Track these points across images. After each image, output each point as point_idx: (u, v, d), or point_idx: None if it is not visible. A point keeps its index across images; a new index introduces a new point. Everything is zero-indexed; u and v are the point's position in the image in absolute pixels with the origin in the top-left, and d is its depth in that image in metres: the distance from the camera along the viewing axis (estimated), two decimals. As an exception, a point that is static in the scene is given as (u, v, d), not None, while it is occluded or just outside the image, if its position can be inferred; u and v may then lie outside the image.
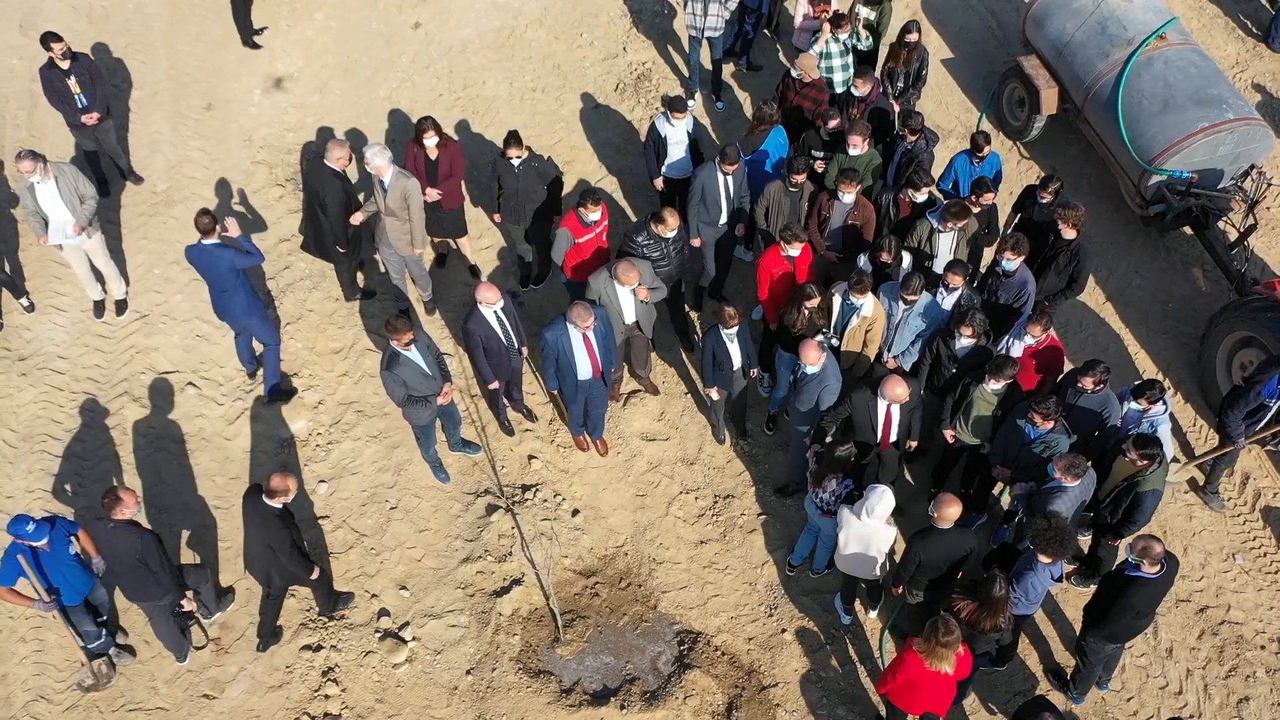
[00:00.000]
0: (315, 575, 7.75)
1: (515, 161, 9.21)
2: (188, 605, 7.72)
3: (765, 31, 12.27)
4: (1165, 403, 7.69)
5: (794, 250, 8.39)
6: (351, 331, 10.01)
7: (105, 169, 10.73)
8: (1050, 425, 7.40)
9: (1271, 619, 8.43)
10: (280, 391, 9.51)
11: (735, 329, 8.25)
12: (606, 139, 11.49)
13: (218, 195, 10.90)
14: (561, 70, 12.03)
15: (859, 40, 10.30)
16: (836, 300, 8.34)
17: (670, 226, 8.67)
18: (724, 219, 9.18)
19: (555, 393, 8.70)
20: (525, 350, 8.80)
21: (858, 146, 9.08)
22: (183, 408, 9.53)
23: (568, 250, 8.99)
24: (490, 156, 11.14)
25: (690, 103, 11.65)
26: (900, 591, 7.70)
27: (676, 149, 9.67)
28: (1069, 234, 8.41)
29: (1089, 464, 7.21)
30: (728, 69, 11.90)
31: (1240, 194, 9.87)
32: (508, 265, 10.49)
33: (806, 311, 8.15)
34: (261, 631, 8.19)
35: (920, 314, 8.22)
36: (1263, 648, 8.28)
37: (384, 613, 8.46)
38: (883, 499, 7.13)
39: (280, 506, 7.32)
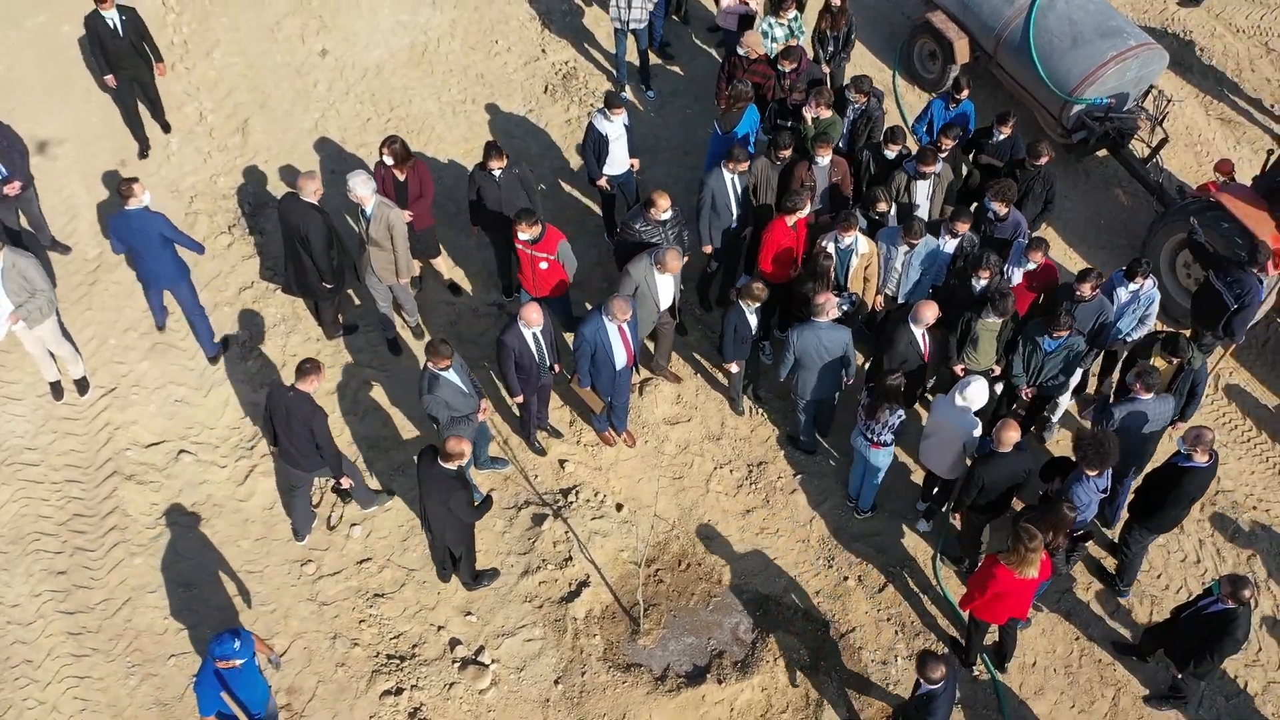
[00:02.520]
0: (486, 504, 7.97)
1: (496, 172, 9.15)
2: (345, 483, 8.31)
3: (674, 17, 12.56)
4: (1154, 278, 8.53)
5: (797, 217, 8.75)
6: (342, 369, 9.68)
7: (27, 242, 9.91)
8: (1068, 333, 8.06)
9: (1254, 481, 9.42)
10: (223, 349, 9.63)
11: (759, 304, 8.53)
12: (548, 141, 11.51)
13: (159, 253, 10.28)
14: (486, 80, 11.95)
15: (799, 27, 10.71)
16: (830, 248, 8.73)
17: (662, 209, 8.83)
18: (734, 221, 9.37)
19: (588, 389, 8.72)
20: (559, 368, 8.79)
21: (822, 113, 9.52)
22: (183, 478, 8.99)
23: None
24: (438, 174, 11.00)
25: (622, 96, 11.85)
26: (961, 518, 8.19)
27: (617, 145, 9.78)
28: (1043, 161, 9.13)
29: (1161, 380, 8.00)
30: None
31: (1144, 113, 10.91)
32: (487, 278, 10.38)
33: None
34: (480, 577, 8.52)
35: (923, 258, 8.73)
36: (1254, 507, 9.25)
37: (455, 642, 8.30)
38: (978, 385, 7.71)
39: (455, 469, 7.44)
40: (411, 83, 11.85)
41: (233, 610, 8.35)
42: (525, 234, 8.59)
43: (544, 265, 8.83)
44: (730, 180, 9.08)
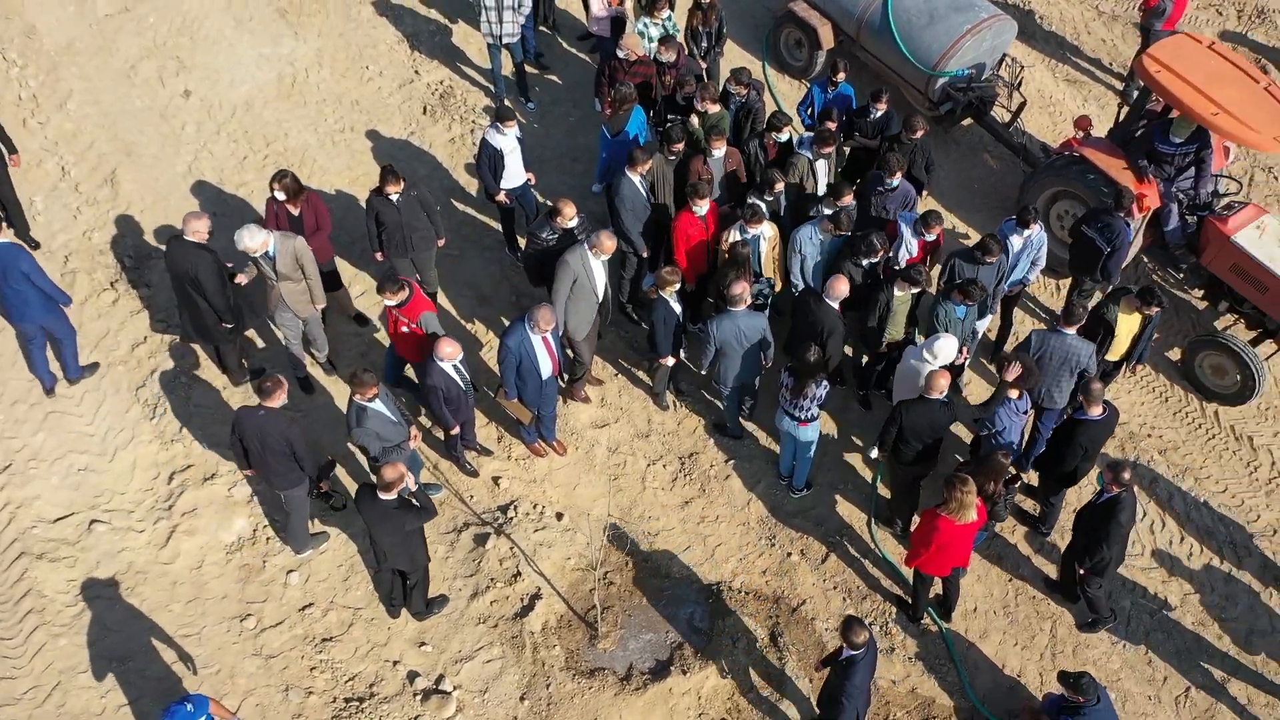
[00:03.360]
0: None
1: (394, 196, 9.03)
2: (325, 487, 8.32)
3: (543, 28, 12.61)
4: (1041, 224, 9.23)
5: (703, 208, 8.93)
6: (256, 414, 9.37)
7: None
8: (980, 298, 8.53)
9: (1145, 411, 10.08)
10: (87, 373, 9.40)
11: (678, 287, 8.66)
12: (434, 162, 11.40)
13: (38, 317, 9.74)
14: (362, 106, 11.75)
15: (673, 26, 10.95)
16: (735, 235, 8.96)
17: (568, 216, 8.89)
18: (650, 221, 9.49)
19: (515, 402, 8.68)
20: (476, 390, 8.75)
21: (709, 107, 9.75)
22: (98, 549, 8.55)
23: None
24: (327, 205, 10.76)
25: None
26: (889, 477, 8.50)
27: (512, 159, 9.78)
28: (919, 134, 9.58)
29: None
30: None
31: (1001, 81, 11.56)
32: (392, 305, 10.20)
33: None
34: (431, 605, 8.35)
35: (838, 241, 9.02)
36: (1149, 435, 9.90)
37: (414, 674, 8.15)
38: (946, 342, 8.12)
39: (397, 496, 7.32)
40: (284, 116, 11.55)
41: (173, 678, 7.99)
42: (390, 300, 8.25)
43: (405, 329, 8.49)
44: (639, 182, 9.20)
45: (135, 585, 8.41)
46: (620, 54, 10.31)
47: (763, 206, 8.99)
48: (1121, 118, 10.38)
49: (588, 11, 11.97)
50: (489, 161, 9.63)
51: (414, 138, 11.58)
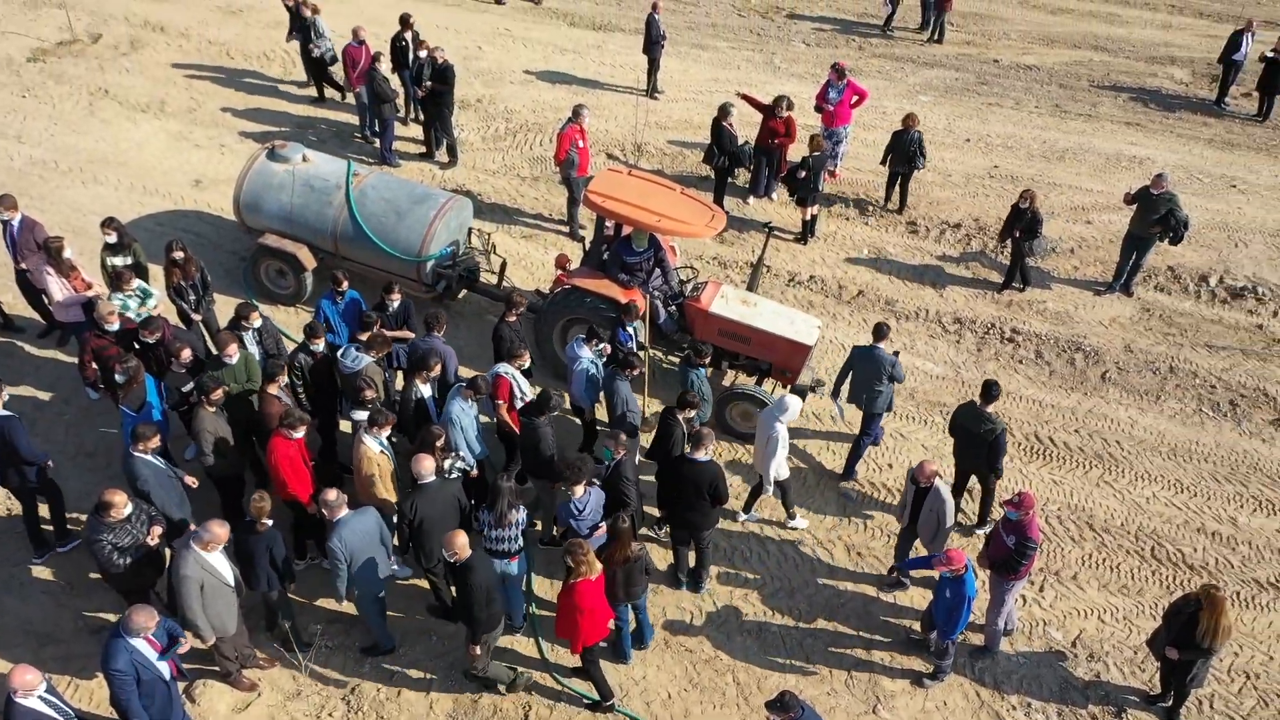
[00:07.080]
0: None
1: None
2: None
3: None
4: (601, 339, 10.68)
5: (301, 432, 8.98)
6: None
7: None
8: None
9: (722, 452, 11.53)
10: None
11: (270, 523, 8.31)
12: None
13: None
14: None
15: (148, 294, 10.58)
16: (378, 447, 9.02)
17: (120, 506, 8.10)
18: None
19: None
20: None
21: (233, 355, 9.64)
22: None
23: None
24: None
25: None
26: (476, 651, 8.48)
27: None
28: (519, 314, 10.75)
29: None
30: None
31: (477, 250, 12.80)
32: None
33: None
34: None
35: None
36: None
37: None
38: (793, 403, 9.87)
39: None
40: None
41: None
42: None
43: None
44: (151, 458, 8.75)
45: None
46: (108, 328, 9.64)
47: (386, 412, 9.18)
48: (588, 247, 12.06)
49: (40, 307, 11.16)
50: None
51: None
